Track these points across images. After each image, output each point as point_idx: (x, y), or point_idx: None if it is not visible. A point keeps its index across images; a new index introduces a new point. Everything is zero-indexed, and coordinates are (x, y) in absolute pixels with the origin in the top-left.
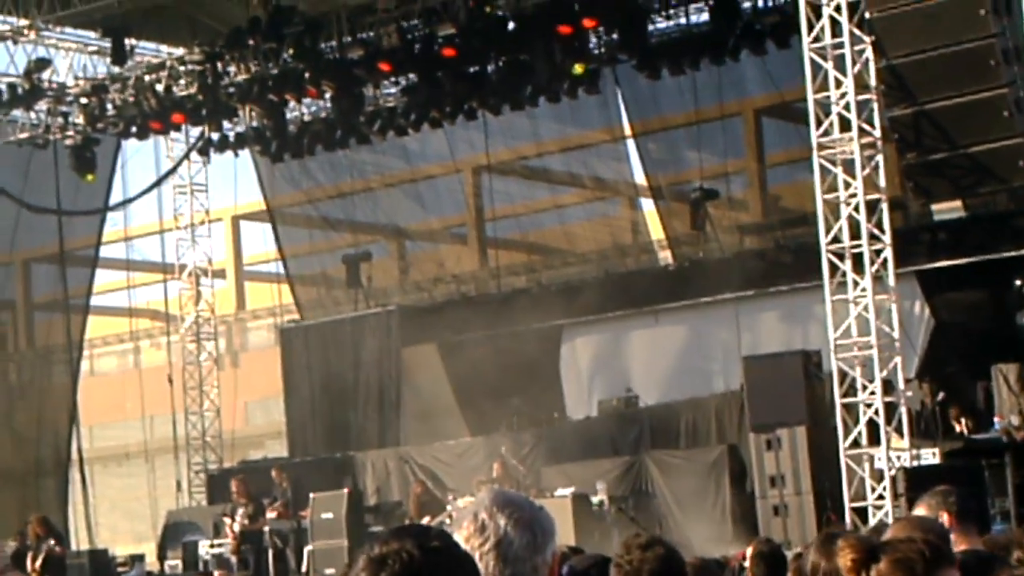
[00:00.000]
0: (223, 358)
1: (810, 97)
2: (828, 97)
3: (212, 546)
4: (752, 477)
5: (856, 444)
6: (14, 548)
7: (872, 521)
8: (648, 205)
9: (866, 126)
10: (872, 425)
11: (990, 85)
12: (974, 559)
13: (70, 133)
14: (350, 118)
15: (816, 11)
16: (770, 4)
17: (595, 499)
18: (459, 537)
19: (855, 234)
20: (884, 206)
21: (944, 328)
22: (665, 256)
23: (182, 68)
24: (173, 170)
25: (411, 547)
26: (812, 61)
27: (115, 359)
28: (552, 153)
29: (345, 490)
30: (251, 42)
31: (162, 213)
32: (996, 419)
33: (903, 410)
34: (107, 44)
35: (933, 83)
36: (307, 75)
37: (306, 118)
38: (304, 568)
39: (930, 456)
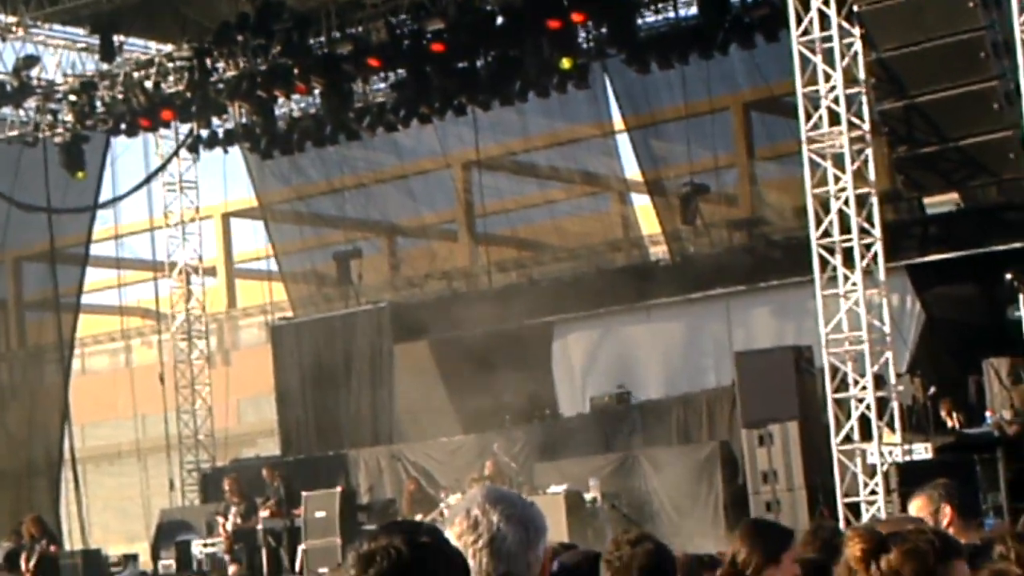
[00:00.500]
0: (214, 356)
1: (799, 91)
2: (817, 91)
3: (205, 545)
4: (744, 473)
5: (848, 439)
6: (8, 548)
7: (865, 516)
8: (638, 200)
9: (855, 120)
10: (864, 420)
11: (980, 78)
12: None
13: (59, 131)
14: (339, 114)
15: (804, 4)
16: None
17: (588, 496)
18: (451, 534)
19: (845, 228)
20: (874, 200)
21: (935, 322)
22: (656, 251)
23: (171, 65)
24: (163, 167)
25: (400, 543)
26: (801, 55)
27: (106, 358)
28: (542, 148)
29: (338, 488)
30: (240, 38)
31: (152, 211)
32: (988, 413)
33: (895, 405)
34: (96, 41)
35: (923, 76)
36: (296, 71)
37: (295, 114)
38: (297, 567)
39: (922, 451)
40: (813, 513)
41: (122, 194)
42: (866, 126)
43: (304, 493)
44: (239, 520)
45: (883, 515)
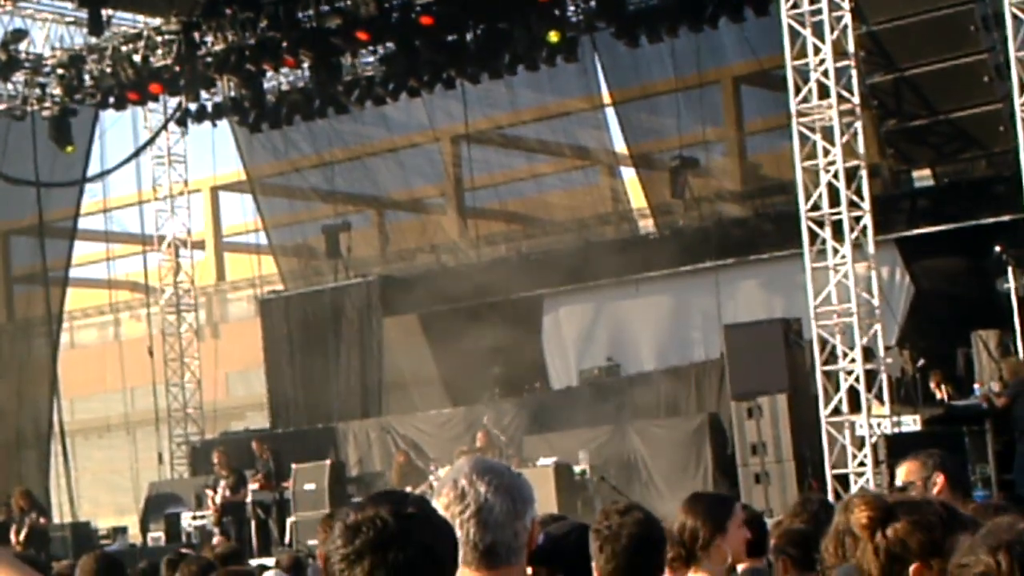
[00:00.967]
0: (203, 329)
1: (788, 64)
2: (806, 64)
3: (195, 518)
4: (733, 445)
5: (837, 411)
6: None
7: (853, 488)
8: (627, 173)
9: (845, 93)
10: (853, 392)
11: (970, 51)
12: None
13: (47, 104)
14: (328, 87)
15: None
16: None
17: (577, 468)
18: (439, 504)
19: (834, 201)
20: (863, 173)
21: (924, 295)
22: (645, 225)
23: (159, 38)
24: (151, 141)
25: (386, 514)
26: (790, 28)
27: (95, 331)
28: (530, 122)
29: (327, 461)
30: (228, 11)
31: (141, 184)
32: (976, 386)
33: (883, 377)
34: (84, 14)
35: (913, 49)
36: (284, 44)
37: (284, 88)
38: (287, 539)
39: (911, 423)
40: (802, 485)
41: (111, 167)
42: (855, 99)
43: (293, 466)
44: (228, 493)
45: (872, 487)
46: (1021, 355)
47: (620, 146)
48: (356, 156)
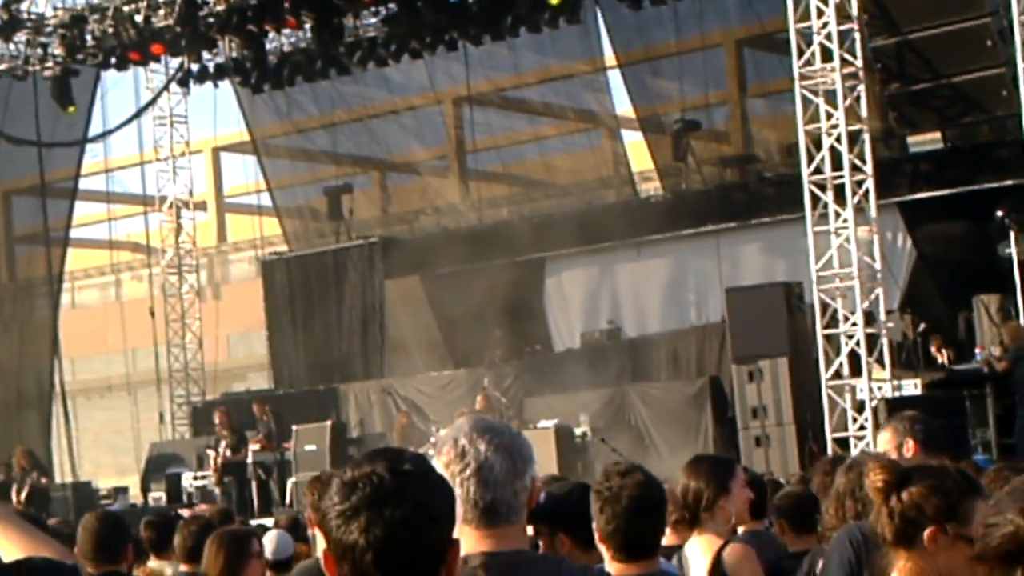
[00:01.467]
0: (204, 290)
1: (791, 27)
2: (810, 27)
3: (196, 478)
4: (734, 408)
5: (838, 375)
6: None
7: (853, 452)
8: (629, 137)
9: (848, 56)
10: (853, 356)
11: (974, 14)
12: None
13: (49, 65)
14: (330, 49)
15: None
16: None
17: (578, 431)
18: (439, 463)
19: (837, 165)
20: (866, 137)
21: (926, 259)
22: (647, 188)
23: None
24: (153, 101)
25: (382, 470)
26: None
27: (96, 291)
28: (533, 84)
29: (328, 422)
30: None
31: (142, 145)
32: (977, 350)
33: (884, 341)
34: None
35: (916, 12)
36: (287, 5)
37: (286, 49)
38: (288, 499)
39: (911, 387)
40: (802, 448)
41: (112, 128)
42: (859, 63)
43: (294, 427)
44: (229, 453)
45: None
46: (1022, 319)
47: (622, 109)
48: (358, 118)
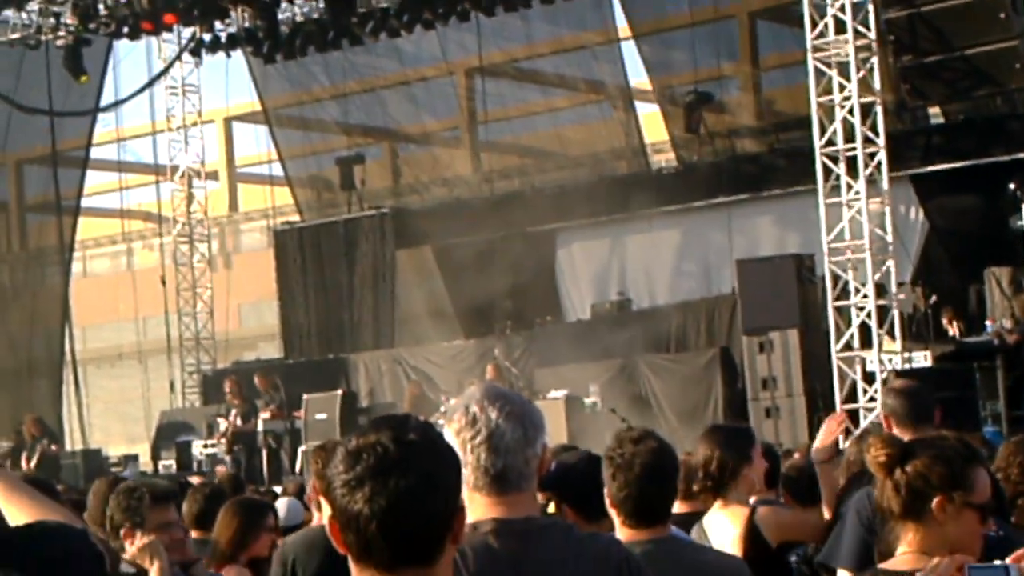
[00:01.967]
0: (216, 260)
1: None
2: None
3: (206, 446)
4: (744, 379)
5: (848, 347)
6: (8, 447)
7: (864, 423)
8: (642, 108)
9: (861, 28)
10: (864, 328)
11: None
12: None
13: (62, 34)
14: (342, 19)
15: None
16: None
17: (588, 401)
18: (450, 430)
19: (849, 137)
20: (879, 109)
21: (938, 232)
22: (659, 159)
23: None
24: (165, 71)
25: (386, 440)
26: None
27: (108, 260)
28: (546, 55)
29: (339, 391)
30: None
31: (154, 114)
32: (988, 322)
33: (895, 313)
34: None
35: None
36: None
37: (298, 19)
38: (298, 468)
39: (922, 359)
40: (812, 419)
41: (124, 97)
42: (872, 35)
43: (305, 395)
44: (240, 422)
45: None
46: None
47: (635, 80)
48: (370, 88)
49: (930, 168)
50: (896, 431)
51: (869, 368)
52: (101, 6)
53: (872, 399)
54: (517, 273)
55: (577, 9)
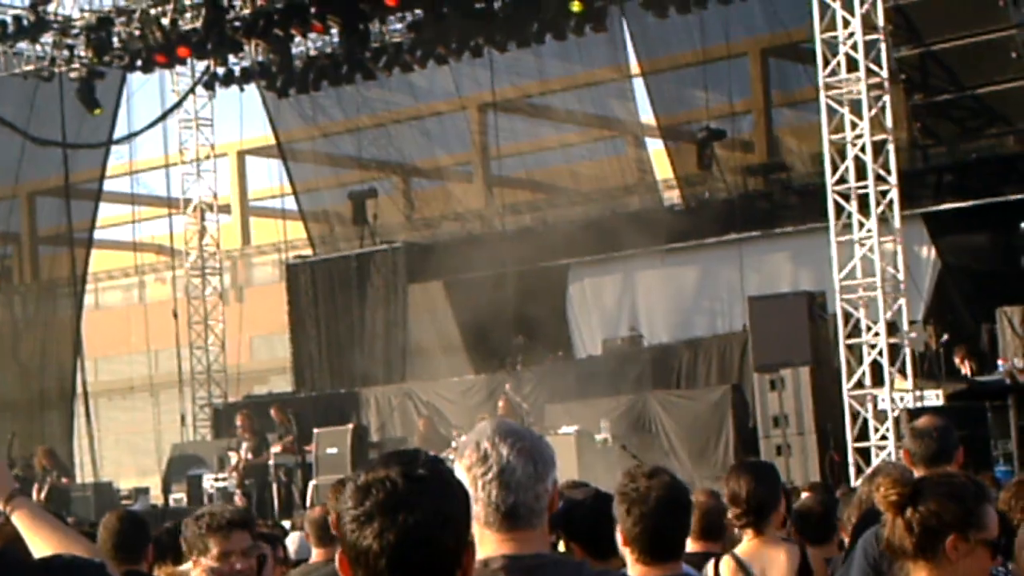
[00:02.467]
0: (228, 293)
1: (817, 37)
2: (835, 37)
3: (217, 479)
4: (755, 416)
5: (860, 385)
6: (20, 479)
7: (875, 462)
8: (654, 144)
9: (873, 66)
10: (876, 366)
11: (999, 26)
12: None
13: (75, 66)
14: (356, 54)
15: None
16: None
17: (599, 437)
18: (461, 466)
19: (861, 175)
20: (891, 147)
21: (950, 270)
22: (671, 196)
23: (188, 1)
24: (178, 104)
25: (396, 475)
26: (819, 0)
27: (120, 293)
28: (558, 91)
29: (350, 425)
30: None
31: (167, 147)
32: (1000, 362)
33: (907, 351)
34: None
35: (941, 24)
36: (313, 10)
37: (312, 53)
38: (308, 502)
39: (933, 398)
40: (823, 457)
41: (137, 130)
42: (884, 73)
43: (316, 430)
44: (251, 455)
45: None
46: None
47: (647, 117)
48: (383, 123)
49: (942, 206)
50: (914, 470)
51: (881, 406)
52: (115, 39)
53: (884, 437)
54: (529, 308)
55: (589, 46)
